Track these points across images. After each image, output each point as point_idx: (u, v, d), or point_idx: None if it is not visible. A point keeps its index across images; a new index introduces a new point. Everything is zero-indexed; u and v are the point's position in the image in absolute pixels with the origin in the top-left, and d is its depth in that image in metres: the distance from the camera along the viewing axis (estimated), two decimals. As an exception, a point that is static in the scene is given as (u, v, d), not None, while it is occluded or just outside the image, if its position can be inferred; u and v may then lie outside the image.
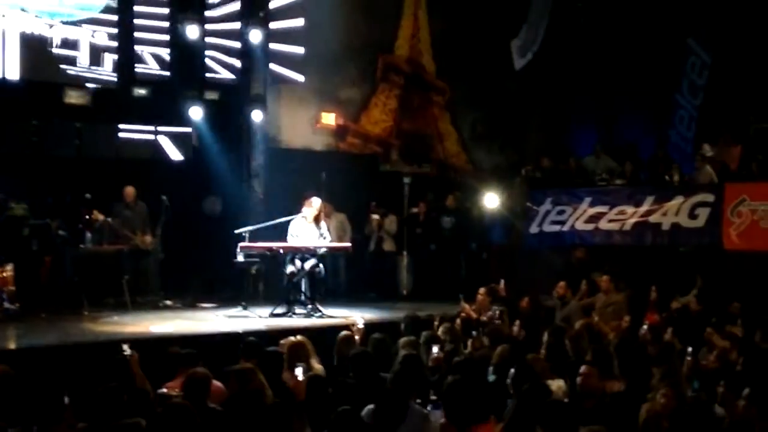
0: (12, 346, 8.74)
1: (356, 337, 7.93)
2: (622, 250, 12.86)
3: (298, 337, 7.36)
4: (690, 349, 7.57)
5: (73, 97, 13.22)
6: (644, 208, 12.67)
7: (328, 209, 13.32)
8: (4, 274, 10.64)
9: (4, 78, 13.04)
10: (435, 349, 7.46)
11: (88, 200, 11.49)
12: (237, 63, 14.41)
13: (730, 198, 12.04)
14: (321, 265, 11.45)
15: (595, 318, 10.34)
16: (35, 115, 13.02)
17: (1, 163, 11.81)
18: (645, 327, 8.81)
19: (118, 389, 5.56)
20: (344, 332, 7.83)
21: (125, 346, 6.76)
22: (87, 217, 11.50)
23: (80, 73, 13.70)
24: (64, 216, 11.85)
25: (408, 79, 17.33)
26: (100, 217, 11.63)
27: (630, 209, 12.76)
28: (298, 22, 14.87)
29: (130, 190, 12.27)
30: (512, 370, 6.27)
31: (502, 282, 11.20)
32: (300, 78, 14.98)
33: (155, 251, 12.09)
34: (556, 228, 13.39)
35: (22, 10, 13.52)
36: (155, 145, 13.91)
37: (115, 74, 13.74)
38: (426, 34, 17.53)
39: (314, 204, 11.45)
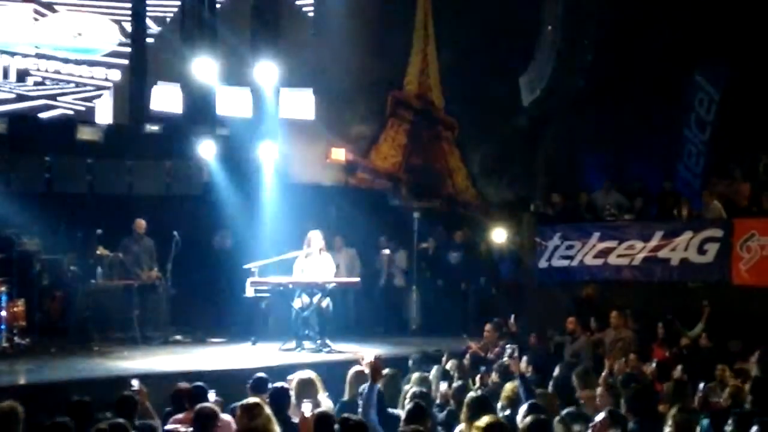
0: (22, 381, 8.78)
1: (367, 372, 7.91)
2: (631, 285, 12.84)
3: (307, 373, 7.35)
4: (701, 385, 7.55)
5: (85, 134, 13.38)
6: (653, 243, 12.66)
7: (337, 244, 13.37)
8: (15, 309, 10.71)
9: (18, 115, 13.24)
10: (443, 385, 7.45)
11: (100, 236, 11.55)
12: (248, 99, 14.56)
13: (740, 233, 12.03)
14: (330, 300, 11.46)
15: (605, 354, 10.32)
16: (48, 151, 13.18)
17: (14, 199, 11.92)
18: (653, 364, 8.78)
19: (127, 424, 5.58)
20: (357, 367, 7.82)
21: (134, 381, 6.79)
22: (97, 252, 11.56)
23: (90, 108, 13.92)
24: (75, 251, 11.92)
25: (417, 115, 17.45)
26: (106, 252, 11.69)
27: (639, 244, 12.76)
28: (309, 59, 15.04)
29: (141, 222, 12.32)
30: (523, 407, 6.26)
31: (513, 317, 11.19)
32: (310, 115, 15.13)
33: (163, 286, 12.13)
34: (565, 263, 13.39)
35: (36, 47, 13.76)
36: (166, 181, 14.04)
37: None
38: (435, 70, 17.68)
39: (313, 239, 11.48)
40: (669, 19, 14.99)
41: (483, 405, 6.10)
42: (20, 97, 13.63)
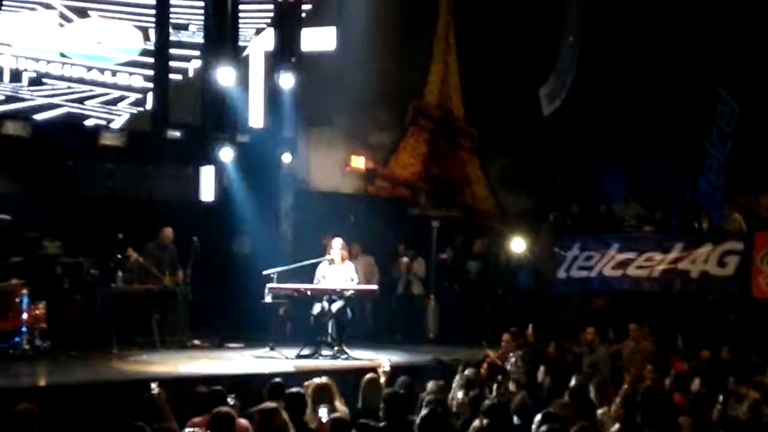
0: (42, 383, 8.86)
1: (382, 380, 7.94)
2: (650, 297, 12.78)
3: (323, 379, 7.38)
4: (721, 398, 7.51)
5: (107, 139, 13.50)
6: (673, 255, 12.60)
7: (356, 251, 13.40)
8: (36, 312, 10.78)
9: (40, 120, 13.38)
10: (460, 393, 7.46)
11: (121, 240, 11.63)
12: (268, 106, 14.64)
13: (760, 246, 11.97)
14: (348, 308, 11.48)
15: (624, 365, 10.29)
16: (70, 156, 13.31)
17: (36, 203, 12.03)
18: (671, 376, 8.74)
19: (146, 428, 5.62)
20: (370, 374, 7.84)
21: (153, 385, 6.83)
22: (119, 256, 11.63)
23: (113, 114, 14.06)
24: (96, 255, 12.01)
25: (437, 124, 17.49)
26: (134, 254, 11.77)
27: (658, 256, 12.70)
28: (330, 66, 15.11)
29: (168, 232, 12.35)
30: (538, 417, 6.25)
31: (530, 327, 11.18)
32: (330, 123, 15.21)
33: (183, 291, 12.19)
34: (584, 274, 13.34)
35: (62, 55, 13.91)
36: (186, 187, 14.14)
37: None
38: (456, 79, 17.73)
39: (335, 246, 11.52)
40: (690, 30, 14.96)
41: (499, 413, 6.10)
42: (44, 103, 13.77)
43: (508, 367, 9.49)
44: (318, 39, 15.04)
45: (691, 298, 12.53)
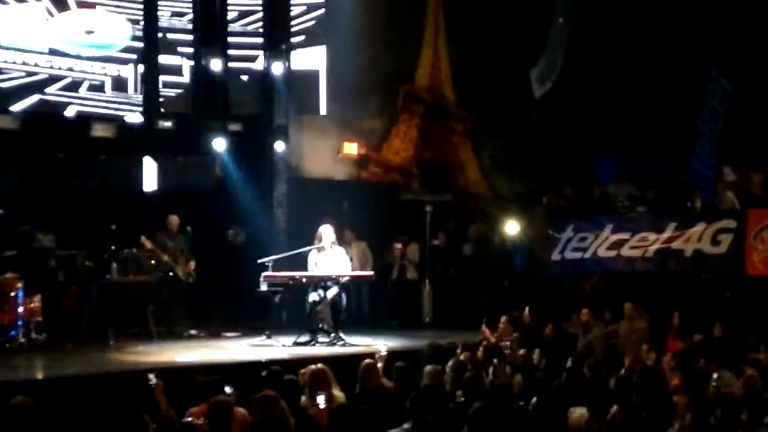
0: (39, 376, 8.88)
1: (379, 365, 7.97)
2: (645, 278, 12.82)
3: (319, 366, 7.40)
4: (714, 375, 7.54)
5: (99, 130, 13.47)
6: (666, 234, 12.60)
7: (349, 237, 13.41)
8: (32, 305, 10.79)
9: (32, 112, 13.33)
10: (455, 376, 7.47)
11: (114, 231, 11.62)
12: (259, 94, 14.61)
13: (753, 224, 11.97)
14: (343, 294, 11.50)
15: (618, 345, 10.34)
16: (62, 148, 13.26)
17: (28, 196, 12.01)
18: (668, 355, 8.78)
19: (145, 417, 5.63)
20: (367, 360, 7.87)
21: (151, 375, 6.84)
22: (113, 247, 11.61)
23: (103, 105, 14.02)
24: (89, 247, 12.00)
25: (429, 109, 17.47)
26: (148, 243, 11.76)
27: (652, 236, 12.70)
28: (320, 53, 15.08)
29: (174, 219, 12.32)
30: (534, 399, 6.29)
31: (527, 309, 11.21)
32: (322, 110, 15.18)
33: (194, 282, 12.21)
34: (578, 255, 13.35)
35: (49, 45, 13.85)
36: (179, 176, 14.11)
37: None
38: (446, 63, 17.69)
39: (324, 233, 11.52)
40: (680, 10, 14.95)
41: (499, 395, 6.12)
42: (33, 95, 13.70)
43: (504, 350, 9.52)
44: (308, 25, 15.01)
45: (686, 277, 12.55)
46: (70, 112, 13.75)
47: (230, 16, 14.56)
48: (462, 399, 7.07)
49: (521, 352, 9.34)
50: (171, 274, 11.98)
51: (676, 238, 12.51)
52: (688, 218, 12.71)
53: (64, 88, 13.86)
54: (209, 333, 12.24)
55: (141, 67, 14.21)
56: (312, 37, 15.17)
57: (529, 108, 16.51)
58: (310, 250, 11.52)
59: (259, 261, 11.56)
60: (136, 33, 14.31)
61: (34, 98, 13.58)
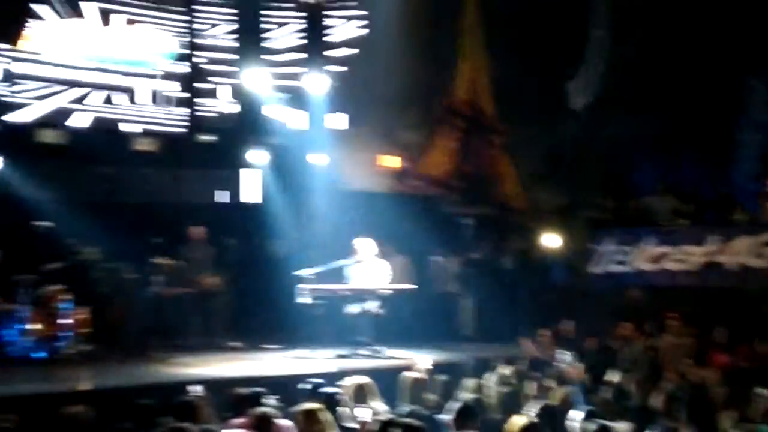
0: (88, 386, 9.01)
1: (421, 378, 7.96)
2: (687, 291, 12.68)
3: (362, 378, 7.42)
4: (761, 393, 7.44)
5: (142, 144, 13.67)
6: (709, 248, 12.50)
7: (388, 250, 13.43)
8: (80, 317, 10.96)
9: (78, 127, 13.58)
10: (497, 390, 7.45)
11: (157, 244, 11.76)
12: (299, 108, 14.74)
13: (798, 236, 11.85)
14: (384, 307, 11.51)
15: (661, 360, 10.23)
16: (106, 162, 13.49)
17: (74, 209, 12.20)
18: (712, 370, 8.68)
19: (189, 428, 5.69)
20: (410, 373, 7.87)
21: (195, 387, 6.90)
22: (156, 260, 11.76)
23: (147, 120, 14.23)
24: (133, 260, 12.16)
25: (468, 121, 17.47)
26: (164, 261, 11.88)
27: (695, 249, 12.61)
28: (360, 67, 15.18)
29: (198, 230, 12.49)
30: (578, 413, 6.25)
31: (569, 323, 11.14)
32: (361, 123, 15.27)
33: (222, 293, 12.30)
34: (619, 268, 13.29)
35: (99, 62, 14.11)
36: (221, 189, 14.28)
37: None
38: (485, 76, 17.69)
39: (364, 246, 11.54)
40: (721, 19, 14.82)
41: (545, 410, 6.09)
42: (79, 110, 13.96)
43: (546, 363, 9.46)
44: (347, 39, 15.12)
45: (730, 291, 12.40)
46: (114, 126, 13.98)
47: (269, 28, 14.71)
48: (504, 413, 7.04)
49: (563, 366, 9.28)
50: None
51: (719, 252, 12.40)
52: (731, 231, 12.59)
53: (108, 103, 14.10)
54: (249, 345, 12.31)
55: (183, 82, 14.40)
56: (351, 50, 15.27)
57: (568, 120, 16.45)
58: (349, 262, 11.56)
59: (298, 273, 11.62)
60: (179, 48, 14.52)
61: (80, 114, 13.85)
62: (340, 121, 15.27)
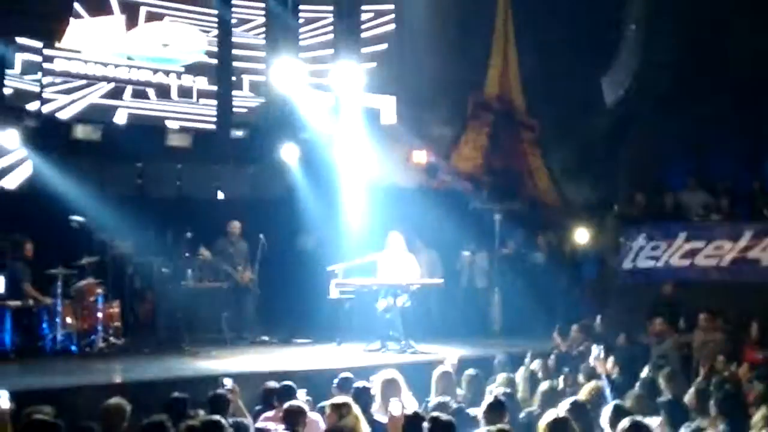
0: (119, 380, 9.13)
1: (450, 372, 7.98)
2: (720, 287, 12.58)
3: (391, 372, 7.44)
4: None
5: (175, 140, 13.81)
6: (742, 243, 12.40)
7: (418, 245, 13.45)
8: (111, 311, 11.11)
9: (111, 123, 13.74)
10: (527, 386, 7.45)
11: (189, 238, 11.87)
12: (330, 103, 14.79)
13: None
14: (413, 301, 11.54)
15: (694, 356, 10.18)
16: (139, 157, 13.64)
17: (107, 204, 12.35)
18: (745, 366, 8.61)
19: (222, 421, 5.76)
20: (440, 367, 7.89)
21: (227, 380, 6.98)
22: (188, 254, 11.86)
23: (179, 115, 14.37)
24: (166, 254, 12.28)
25: (498, 116, 17.43)
26: (206, 253, 11.98)
27: (727, 244, 12.52)
28: (390, 62, 15.20)
29: (235, 224, 12.58)
30: (607, 408, 6.23)
31: (599, 318, 11.11)
32: (392, 118, 15.28)
33: (253, 288, 12.40)
34: (651, 264, 13.20)
35: (129, 58, 14.26)
36: (252, 184, 14.37)
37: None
38: (515, 70, 17.64)
39: (394, 241, 11.56)
40: (754, 13, 14.65)
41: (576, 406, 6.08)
42: (113, 106, 14.12)
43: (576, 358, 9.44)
44: (378, 34, 15.14)
45: (763, 287, 12.28)
46: (146, 122, 14.12)
47: (300, 23, 14.77)
48: (534, 408, 7.05)
49: (593, 361, 9.24)
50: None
51: (752, 247, 12.30)
52: (765, 227, 12.46)
53: (141, 99, 14.24)
54: (280, 339, 12.39)
55: (214, 78, 14.51)
56: (381, 45, 15.30)
57: (599, 115, 16.35)
58: (379, 257, 11.59)
59: (329, 268, 11.67)
60: (209, 45, 14.62)
61: (113, 109, 14.01)
62: (371, 116, 15.28)
